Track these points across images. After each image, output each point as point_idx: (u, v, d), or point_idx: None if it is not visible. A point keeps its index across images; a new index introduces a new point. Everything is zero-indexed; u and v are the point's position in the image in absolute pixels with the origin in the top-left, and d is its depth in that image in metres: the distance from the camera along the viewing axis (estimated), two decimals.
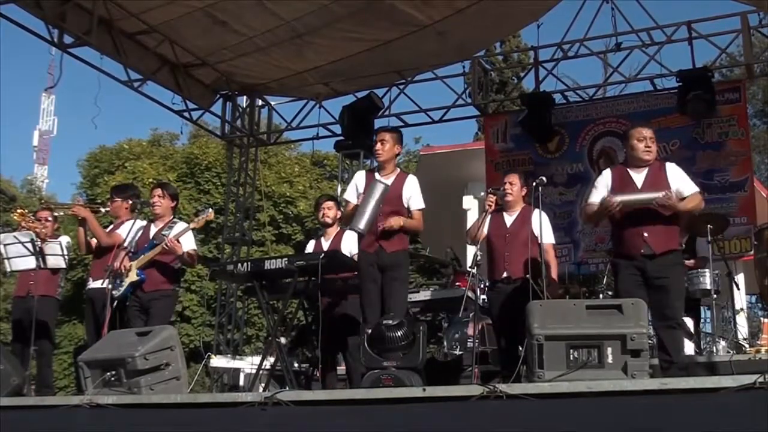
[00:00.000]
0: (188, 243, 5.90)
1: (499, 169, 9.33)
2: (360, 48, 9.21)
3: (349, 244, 5.80)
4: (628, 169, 4.98)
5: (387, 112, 9.90)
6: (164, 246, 5.71)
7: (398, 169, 5.45)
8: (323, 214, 6.07)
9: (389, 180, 5.29)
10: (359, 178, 5.46)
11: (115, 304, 5.68)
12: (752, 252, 7.64)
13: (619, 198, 4.78)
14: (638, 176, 4.92)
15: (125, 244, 5.85)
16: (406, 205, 5.30)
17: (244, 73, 9.78)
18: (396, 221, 5.15)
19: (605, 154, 9.15)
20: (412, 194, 5.32)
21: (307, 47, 9.11)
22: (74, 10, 7.92)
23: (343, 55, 9.32)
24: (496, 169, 9.42)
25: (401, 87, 9.96)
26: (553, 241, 5.71)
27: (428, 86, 11.01)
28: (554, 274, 5.58)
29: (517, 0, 8.73)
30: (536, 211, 5.47)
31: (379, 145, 5.35)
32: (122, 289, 5.75)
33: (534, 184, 5.45)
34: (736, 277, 7.82)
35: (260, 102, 10.69)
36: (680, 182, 4.87)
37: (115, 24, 8.38)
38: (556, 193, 9.05)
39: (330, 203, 6.11)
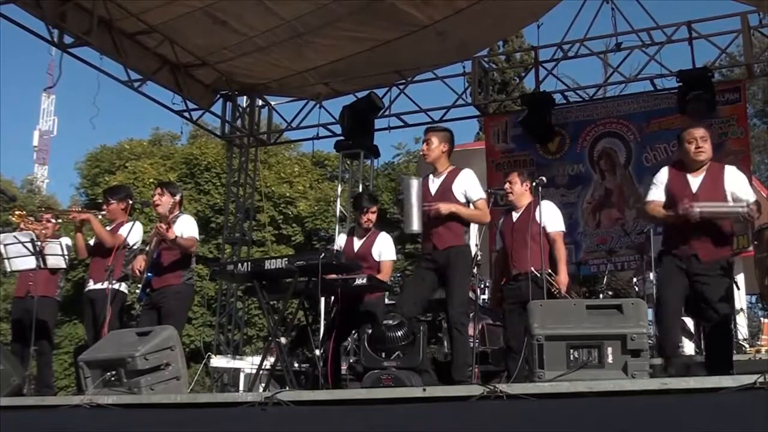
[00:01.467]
0: (189, 230, 5.87)
1: (500, 169, 9.33)
2: (360, 48, 9.21)
3: (380, 247, 5.78)
4: (684, 172, 4.80)
5: (387, 112, 9.90)
6: (157, 233, 5.69)
7: (451, 167, 5.34)
8: (367, 219, 5.90)
9: (441, 178, 5.25)
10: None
11: (138, 307, 5.67)
12: (749, 248, 7.67)
13: (699, 209, 4.55)
14: (695, 180, 4.75)
15: (146, 250, 5.83)
16: (462, 200, 5.17)
17: (244, 73, 9.79)
18: (444, 206, 5.03)
19: (606, 155, 9.16)
20: (467, 186, 5.20)
21: (307, 47, 9.11)
22: (74, 10, 7.92)
23: (343, 55, 9.32)
24: (496, 170, 9.42)
25: (401, 87, 9.97)
26: (562, 229, 5.68)
27: (428, 86, 11.04)
28: (563, 264, 5.51)
29: (518, 0, 8.73)
30: (542, 203, 5.46)
31: (424, 146, 5.33)
32: (139, 292, 5.73)
33: (534, 184, 5.47)
34: (736, 277, 7.81)
35: (260, 102, 10.70)
36: (739, 189, 4.68)
37: (115, 24, 8.38)
38: (558, 195, 9.02)
39: (374, 208, 5.96)
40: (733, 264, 4.86)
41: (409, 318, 5.01)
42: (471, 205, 5.19)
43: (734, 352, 6.37)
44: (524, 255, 5.39)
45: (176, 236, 5.68)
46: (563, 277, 5.43)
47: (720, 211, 4.63)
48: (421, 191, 5.05)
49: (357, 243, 5.87)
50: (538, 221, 5.42)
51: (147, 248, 5.85)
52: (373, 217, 5.93)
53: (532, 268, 5.29)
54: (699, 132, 4.82)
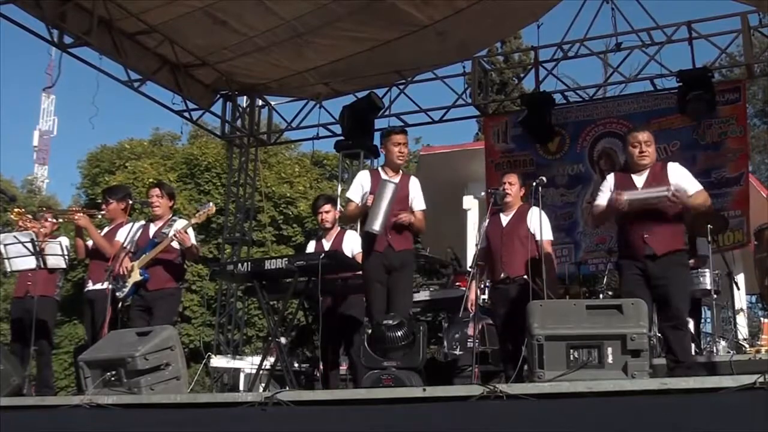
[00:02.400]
0: (193, 239, 5.91)
1: (499, 169, 9.32)
2: (360, 48, 9.21)
3: (351, 244, 5.82)
4: (630, 174, 4.99)
5: (387, 112, 9.89)
6: (174, 238, 5.72)
7: (401, 171, 5.48)
8: (322, 218, 6.09)
9: (395, 180, 5.30)
10: (364, 177, 5.47)
11: (120, 305, 5.68)
12: (744, 242, 7.69)
13: (626, 196, 4.77)
14: (639, 179, 4.92)
15: (125, 245, 5.85)
16: (410, 206, 5.34)
17: (244, 73, 9.78)
18: (407, 216, 5.23)
19: (606, 155, 9.15)
20: (416, 195, 5.39)
21: (307, 47, 9.11)
22: (74, 10, 7.91)
23: (343, 55, 9.32)
24: (496, 169, 9.42)
25: (401, 87, 9.96)
26: (551, 238, 5.70)
27: (428, 86, 11.02)
28: (552, 272, 5.55)
29: (518, 0, 8.73)
30: (533, 209, 5.48)
31: (405, 150, 5.43)
32: (126, 290, 5.74)
33: (534, 184, 5.46)
34: (736, 277, 7.83)
35: (260, 102, 10.69)
36: (683, 181, 4.85)
37: (115, 24, 8.37)
38: (558, 195, 9.05)
39: (327, 206, 6.10)
40: (685, 253, 4.96)
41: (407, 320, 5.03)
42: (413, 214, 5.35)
43: (734, 352, 6.40)
44: (514, 259, 5.41)
45: (192, 244, 5.82)
46: (553, 285, 5.45)
47: (646, 196, 4.76)
48: (395, 197, 5.14)
49: (326, 244, 5.95)
50: (531, 226, 5.44)
51: (127, 246, 5.84)
52: (328, 216, 6.04)
53: (524, 276, 5.31)
54: (643, 136, 4.95)
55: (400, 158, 5.39)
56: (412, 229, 5.33)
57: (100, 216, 6.42)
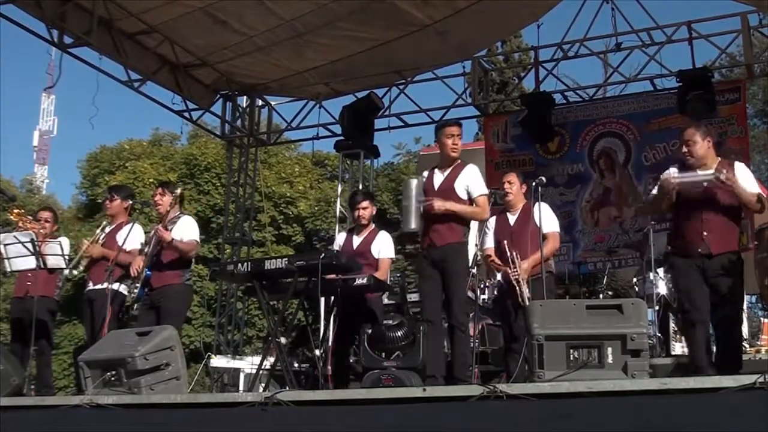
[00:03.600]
0: (190, 233, 5.89)
1: (499, 168, 9.33)
2: (360, 48, 9.21)
3: (380, 245, 5.78)
4: (697, 170, 4.78)
5: (387, 112, 9.90)
6: (156, 231, 5.69)
7: (458, 161, 5.29)
8: (359, 215, 5.93)
9: (446, 173, 5.24)
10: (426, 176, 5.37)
11: (135, 307, 5.66)
12: (748, 245, 7.68)
13: (676, 179, 4.65)
14: (702, 173, 4.75)
15: (146, 250, 5.82)
16: (464, 196, 5.16)
17: (244, 73, 9.78)
18: (439, 203, 5.03)
19: (605, 154, 9.17)
20: (470, 182, 5.17)
21: (307, 47, 9.11)
22: (74, 10, 7.91)
23: (343, 55, 9.32)
24: (496, 169, 9.42)
25: (401, 87, 9.96)
26: (558, 230, 5.69)
27: (428, 86, 11.02)
28: (538, 255, 5.37)
29: (517, 0, 8.73)
30: (537, 205, 5.44)
31: (459, 141, 5.28)
32: (136, 291, 5.72)
33: (534, 183, 5.46)
34: None
35: (260, 102, 10.69)
36: (746, 181, 4.68)
37: (115, 24, 8.38)
38: (557, 194, 9.06)
39: (365, 203, 5.95)
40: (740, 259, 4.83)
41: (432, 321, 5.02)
42: (472, 202, 5.17)
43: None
44: (525, 257, 5.40)
45: (173, 239, 5.69)
46: (527, 264, 5.35)
47: (695, 178, 4.64)
48: (420, 190, 5.05)
49: (356, 240, 5.89)
50: (537, 223, 5.41)
51: (146, 249, 5.84)
52: (364, 212, 5.91)
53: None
54: (687, 134, 4.82)
55: (454, 150, 5.21)
56: (461, 216, 5.11)
57: (105, 225, 6.36)
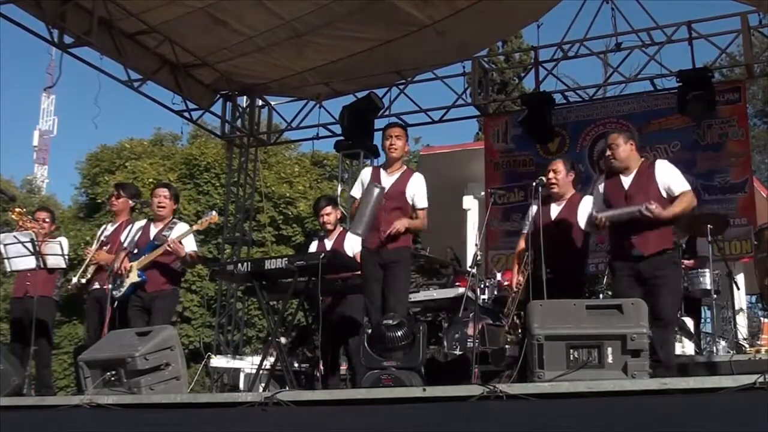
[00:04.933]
0: (189, 245, 5.91)
1: (499, 168, 9.34)
2: (360, 48, 9.21)
3: (352, 244, 5.82)
4: (619, 175, 5.00)
5: (387, 112, 9.89)
6: (167, 247, 5.72)
7: (405, 167, 5.44)
8: (323, 221, 6.07)
9: (394, 176, 5.29)
10: (365, 174, 5.49)
11: (116, 304, 5.68)
12: (752, 253, 7.65)
13: (604, 214, 4.88)
14: (627, 179, 4.95)
15: (125, 244, 5.85)
16: (410, 203, 5.30)
17: (244, 73, 9.78)
18: (400, 224, 5.16)
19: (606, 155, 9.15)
20: (416, 192, 5.32)
21: (307, 47, 9.11)
22: (74, 10, 7.91)
23: (343, 55, 9.32)
24: (495, 169, 9.43)
25: (401, 87, 9.96)
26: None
27: (428, 86, 11.02)
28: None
29: (517, 0, 8.73)
30: (586, 198, 5.27)
31: (398, 142, 5.36)
32: (123, 289, 5.75)
33: (534, 184, 5.41)
34: (736, 277, 7.82)
35: (260, 102, 10.69)
36: (669, 180, 4.86)
37: (115, 24, 8.38)
38: None
39: (328, 209, 6.09)
40: (675, 251, 4.98)
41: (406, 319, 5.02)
42: (414, 212, 5.33)
43: (734, 352, 6.39)
44: (561, 252, 5.07)
45: (186, 254, 5.82)
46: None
47: (622, 213, 4.86)
48: (380, 201, 5.14)
49: (328, 245, 5.95)
50: (581, 217, 5.20)
51: (125, 243, 5.85)
52: (328, 218, 6.03)
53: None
54: (611, 138, 5.04)
55: (392, 151, 5.35)
56: (409, 231, 5.31)
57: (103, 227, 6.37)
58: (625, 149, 4.93)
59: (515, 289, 5.33)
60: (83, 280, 6.22)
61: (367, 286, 5.25)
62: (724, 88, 8.78)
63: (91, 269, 6.17)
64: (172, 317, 6.28)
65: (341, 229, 6.07)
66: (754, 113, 20.77)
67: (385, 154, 5.48)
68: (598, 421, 3.14)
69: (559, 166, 5.42)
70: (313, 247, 6.19)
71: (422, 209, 5.34)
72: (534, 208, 5.34)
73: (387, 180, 5.33)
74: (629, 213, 4.79)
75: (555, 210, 5.34)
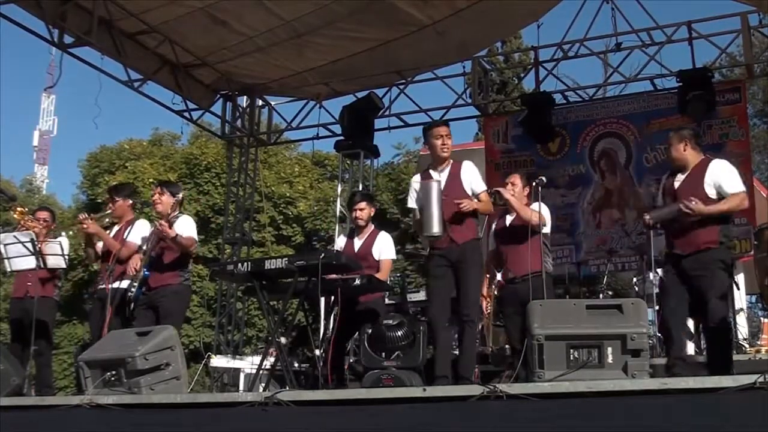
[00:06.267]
0: (188, 230, 5.83)
1: (499, 169, 9.33)
2: (360, 48, 9.21)
3: (381, 246, 5.77)
4: (678, 173, 5.02)
5: (387, 112, 9.90)
6: (156, 230, 5.67)
7: (451, 161, 5.34)
8: (356, 216, 5.93)
9: (445, 172, 5.25)
10: (415, 182, 5.41)
11: (131, 305, 5.64)
12: (752, 253, 7.64)
13: (650, 215, 4.98)
14: (681, 176, 4.97)
15: (144, 247, 5.80)
16: (469, 192, 5.23)
17: (244, 73, 9.78)
18: (468, 203, 5.10)
19: (606, 155, 9.16)
20: (472, 178, 5.28)
21: (307, 47, 9.11)
22: (74, 10, 7.91)
23: (343, 55, 9.32)
24: (495, 170, 9.42)
25: (401, 87, 9.96)
26: (549, 231, 5.63)
27: (428, 86, 11.03)
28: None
29: (517, 0, 8.73)
30: (534, 205, 5.44)
31: (449, 141, 5.31)
32: (134, 289, 5.71)
33: (534, 184, 5.46)
34: (736, 277, 7.81)
35: (260, 102, 10.69)
36: (720, 180, 4.82)
37: (115, 24, 8.37)
38: (558, 195, 9.04)
39: (362, 204, 5.94)
40: (729, 260, 4.94)
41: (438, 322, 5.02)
42: (476, 197, 5.25)
43: (734, 352, 6.39)
44: (520, 258, 5.38)
45: (176, 234, 5.65)
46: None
47: (666, 212, 4.91)
48: (440, 194, 5.06)
49: (357, 243, 5.87)
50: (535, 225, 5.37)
51: (144, 246, 5.82)
52: (362, 213, 5.89)
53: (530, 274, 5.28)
54: (672, 139, 5.07)
55: (444, 150, 5.26)
56: (478, 213, 5.26)
57: (108, 221, 6.35)
58: (676, 149, 4.97)
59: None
60: (67, 237, 6.28)
61: (430, 286, 5.22)
62: (724, 88, 8.78)
63: (74, 233, 6.15)
64: (182, 318, 6.17)
65: (372, 228, 5.96)
66: (754, 113, 20.76)
67: (432, 154, 5.37)
68: (598, 421, 3.14)
69: (516, 179, 5.71)
70: (341, 242, 6.10)
71: (482, 192, 5.29)
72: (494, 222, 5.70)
73: (440, 177, 5.27)
74: (671, 212, 4.82)
75: (509, 219, 5.61)
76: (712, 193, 4.77)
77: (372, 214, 5.98)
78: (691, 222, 4.73)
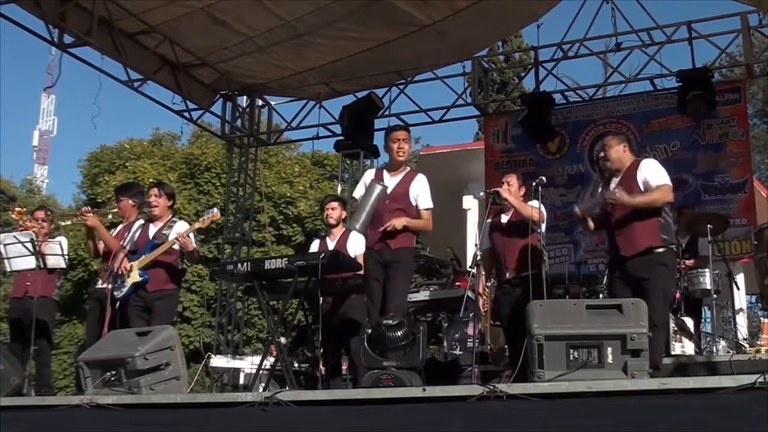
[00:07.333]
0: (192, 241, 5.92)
1: (499, 169, 9.32)
2: (360, 48, 9.21)
3: (354, 244, 5.80)
4: (612, 177, 5.12)
5: (387, 112, 9.89)
6: (176, 240, 5.72)
7: (408, 168, 5.47)
8: (327, 215, 6.00)
9: (397, 178, 5.30)
10: (368, 176, 5.52)
11: (117, 305, 5.67)
12: (752, 253, 7.65)
13: (578, 207, 5.15)
14: (615, 180, 5.07)
15: (124, 244, 5.84)
16: (414, 203, 5.34)
17: (244, 73, 9.78)
18: (398, 222, 5.21)
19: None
20: (420, 193, 5.38)
21: (307, 47, 9.11)
22: (74, 9, 7.91)
23: (343, 55, 9.32)
24: (495, 169, 9.42)
25: (401, 87, 9.95)
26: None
27: (428, 86, 11.02)
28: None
29: (517, 0, 8.73)
30: (533, 201, 5.47)
31: (405, 145, 5.44)
32: (125, 289, 5.73)
33: (534, 184, 5.46)
34: (736, 277, 7.82)
35: (260, 102, 10.68)
36: (648, 175, 4.93)
37: (115, 24, 8.37)
38: (557, 195, 9.05)
39: (334, 204, 6.01)
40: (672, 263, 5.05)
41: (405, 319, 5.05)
42: (418, 212, 5.40)
43: (734, 352, 6.39)
44: (516, 257, 5.42)
45: (194, 248, 5.85)
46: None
47: (592, 204, 5.10)
48: (380, 199, 5.22)
49: (330, 244, 5.91)
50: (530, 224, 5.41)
51: (124, 243, 5.86)
52: (332, 212, 5.94)
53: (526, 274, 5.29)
54: (606, 141, 5.21)
55: (400, 155, 5.40)
56: (412, 230, 5.33)
57: (110, 216, 6.39)
58: (617, 150, 5.06)
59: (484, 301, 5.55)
60: (67, 222, 6.32)
61: (367, 285, 5.28)
62: (724, 88, 8.77)
63: (68, 220, 6.20)
64: (173, 318, 6.28)
65: (344, 229, 6.04)
66: (754, 113, 20.78)
67: (389, 157, 5.50)
68: (598, 421, 3.14)
69: (513, 179, 5.78)
70: (315, 246, 6.17)
71: (426, 210, 5.39)
72: (488, 221, 5.78)
73: (390, 181, 5.36)
74: (597, 203, 4.96)
75: (505, 219, 5.68)
76: (642, 190, 4.88)
77: (343, 217, 6.04)
78: (628, 222, 4.81)
